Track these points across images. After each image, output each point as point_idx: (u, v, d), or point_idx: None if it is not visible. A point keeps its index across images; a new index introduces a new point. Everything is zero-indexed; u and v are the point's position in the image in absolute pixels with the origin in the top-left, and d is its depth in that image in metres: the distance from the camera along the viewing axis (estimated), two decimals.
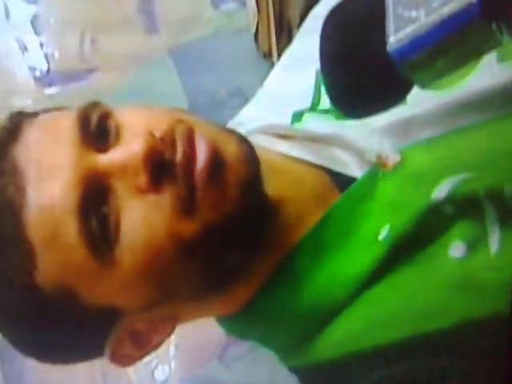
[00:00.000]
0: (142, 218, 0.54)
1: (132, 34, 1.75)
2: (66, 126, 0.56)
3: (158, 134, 0.55)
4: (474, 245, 0.53)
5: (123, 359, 0.61)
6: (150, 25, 1.77)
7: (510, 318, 0.50)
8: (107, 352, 0.59)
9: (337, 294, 0.56)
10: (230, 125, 0.68)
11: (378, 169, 0.57)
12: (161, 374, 1.56)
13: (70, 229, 0.54)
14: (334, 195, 0.60)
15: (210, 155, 0.54)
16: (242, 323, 0.62)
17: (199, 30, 1.74)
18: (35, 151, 0.56)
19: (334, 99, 0.52)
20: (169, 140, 0.54)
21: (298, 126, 0.64)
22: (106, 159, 0.55)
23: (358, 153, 0.60)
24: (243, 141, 0.57)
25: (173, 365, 1.56)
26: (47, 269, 0.54)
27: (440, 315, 0.53)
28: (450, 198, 0.54)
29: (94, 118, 0.56)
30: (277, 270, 0.59)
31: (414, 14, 0.46)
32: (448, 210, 0.54)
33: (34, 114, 0.60)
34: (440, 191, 0.54)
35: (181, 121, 0.56)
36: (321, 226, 0.58)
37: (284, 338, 0.61)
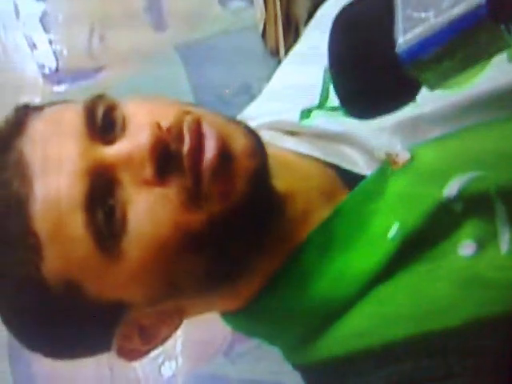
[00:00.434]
0: (148, 210, 0.53)
1: (140, 31, 1.75)
2: (72, 118, 0.56)
3: (164, 125, 0.54)
4: (484, 244, 0.53)
5: (130, 354, 0.60)
6: (158, 22, 1.77)
7: None
8: (114, 346, 0.59)
9: (344, 292, 0.56)
10: None
11: (387, 166, 0.57)
12: (167, 369, 1.57)
13: (76, 221, 0.53)
14: (341, 193, 0.60)
15: (219, 147, 0.54)
16: (247, 319, 0.62)
17: (207, 27, 1.74)
18: (41, 144, 0.55)
19: (342, 100, 0.52)
20: (175, 131, 0.54)
21: (306, 122, 0.64)
22: (112, 151, 0.55)
23: (367, 151, 0.60)
24: (251, 132, 0.57)
25: (179, 360, 1.56)
26: (53, 262, 0.54)
27: (449, 313, 0.53)
28: (460, 196, 0.54)
29: (100, 111, 0.56)
30: (283, 266, 0.58)
31: (423, 15, 0.46)
32: (458, 208, 0.54)
33: (40, 108, 0.60)
34: (450, 189, 0.54)
35: (188, 112, 0.55)
36: (329, 222, 0.58)
37: (289, 335, 0.60)
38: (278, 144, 0.63)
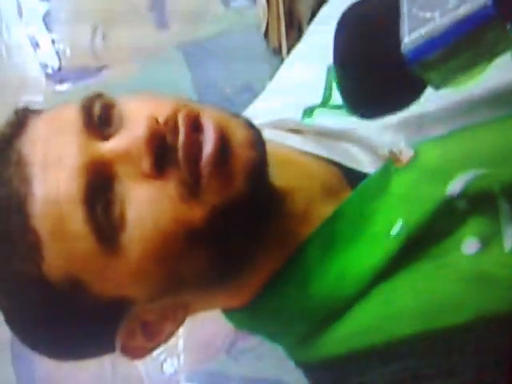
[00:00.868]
0: (147, 203, 0.53)
1: (143, 30, 1.76)
2: (70, 116, 0.56)
3: (161, 119, 0.54)
4: (488, 241, 0.53)
5: (134, 351, 0.60)
6: (161, 21, 1.77)
7: None
8: (118, 344, 0.59)
9: (347, 289, 0.56)
10: None
11: (391, 164, 0.57)
12: (170, 366, 1.57)
13: (76, 217, 0.54)
14: (345, 191, 0.60)
15: (217, 140, 0.54)
16: (249, 317, 0.62)
17: (210, 26, 1.74)
18: (40, 142, 0.56)
19: (346, 99, 0.52)
20: (172, 124, 0.54)
21: (309, 121, 0.64)
22: (110, 146, 0.55)
23: (371, 148, 0.60)
24: (250, 125, 0.57)
25: (181, 358, 1.57)
26: (54, 259, 0.54)
27: (452, 311, 0.53)
28: (464, 194, 0.54)
29: (97, 107, 0.56)
30: (286, 264, 0.58)
31: (428, 14, 0.46)
32: (462, 205, 0.54)
33: (40, 110, 0.60)
34: (454, 186, 0.54)
35: (185, 106, 0.55)
36: (332, 220, 0.58)
37: (292, 332, 0.60)
38: (281, 142, 0.63)
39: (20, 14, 1.80)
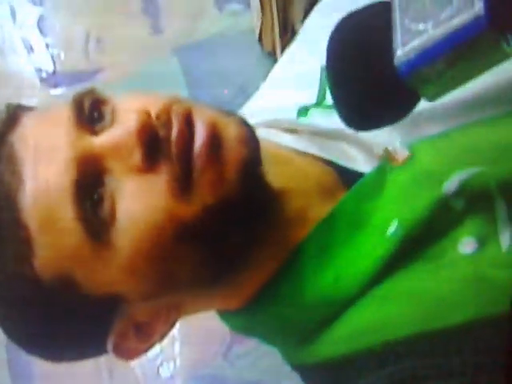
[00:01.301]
0: (137, 198, 0.53)
1: (137, 33, 1.76)
2: (61, 111, 0.56)
3: (153, 113, 0.54)
4: (485, 241, 0.53)
5: (127, 352, 0.60)
6: (155, 25, 1.77)
7: None
8: (110, 345, 0.58)
9: (344, 291, 0.56)
10: None
11: (386, 163, 0.57)
12: (166, 370, 1.57)
13: (66, 212, 0.53)
14: (340, 190, 0.60)
15: (209, 135, 0.53)
16: (246, 318, 0.61)
17: (204, 30, 1.75)
18: (31, 137, 0.56)
19: (341, 113, 0.52)
20: (164, 118, 0.54)
21: (303, 120, 0.64)
22: (101, 140, 0.54)
23: (366, 148, 0.60)
24: (244, 123, 0.56)
25: (178, 362, 1.57)
26: (45, 254, 0.54)
27: (450, 312, 0.53)
28: (460, 192, 0.53)
29: (88, 102, 0.56)
30: (282, 265, 0.58)
31: (421, 26, 0.46)
32: (458, 204, 0.54)
33: (32, 107, 0.60)
34: (450, 185, 0.54)
35: (178, 101, 0.55)
36: (328, 220, 0.58)
37: (288, 334, 0.60)
38: (276, 141, 0.63)
39: (14, 18, 1.80)
